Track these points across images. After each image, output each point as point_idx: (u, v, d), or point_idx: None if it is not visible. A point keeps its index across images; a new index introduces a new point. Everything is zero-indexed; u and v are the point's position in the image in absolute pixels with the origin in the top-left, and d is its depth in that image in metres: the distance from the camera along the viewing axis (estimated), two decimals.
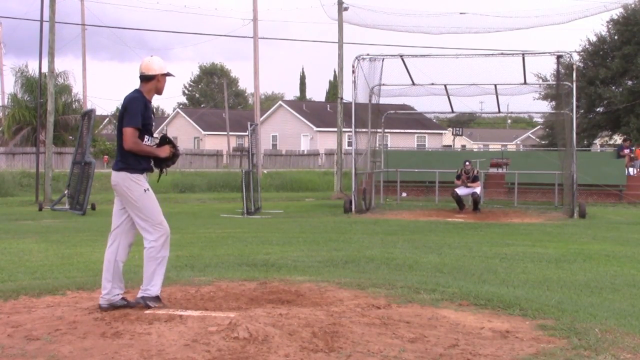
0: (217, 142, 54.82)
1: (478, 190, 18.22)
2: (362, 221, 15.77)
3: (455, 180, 18.46)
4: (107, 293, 5.51)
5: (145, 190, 5.51)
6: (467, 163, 18.49)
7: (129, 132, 5.42)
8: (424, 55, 20.44)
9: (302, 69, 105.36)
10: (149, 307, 5.44)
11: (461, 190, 18.21)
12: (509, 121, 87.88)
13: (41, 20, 22.44)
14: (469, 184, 18.10)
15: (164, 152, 5.64)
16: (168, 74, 5.65)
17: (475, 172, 18.64)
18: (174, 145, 5.73)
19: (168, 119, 65.30)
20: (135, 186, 5.48)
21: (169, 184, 28.39)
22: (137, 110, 5.43)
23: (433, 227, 14.60)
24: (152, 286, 5.53)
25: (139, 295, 5.54)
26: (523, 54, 19.04)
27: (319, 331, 4.87)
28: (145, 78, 5.56)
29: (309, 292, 6.42)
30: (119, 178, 5.51)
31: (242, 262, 8.83)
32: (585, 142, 36.67)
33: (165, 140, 5.71)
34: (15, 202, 22.63)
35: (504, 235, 12.98)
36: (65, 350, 4.47)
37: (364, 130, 19.91)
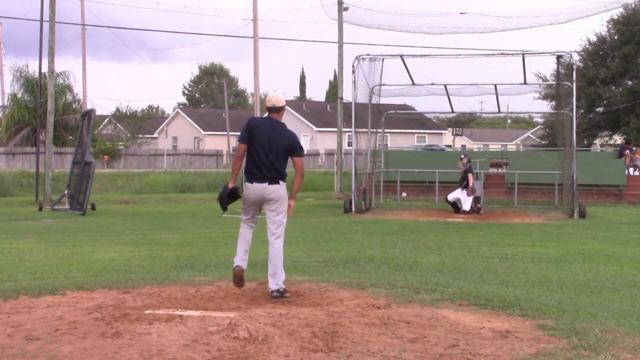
0: (217, 142, 54.80)
1: (469, 186, 17.85)
2: (362, 221, 15.77)
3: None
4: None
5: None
6: (463, 156, 18.42)
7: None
8: (424, 55, 20.44)
9: (302, 69, 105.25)
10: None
11: (451, 196, 18.17)
12: (509, 121, 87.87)
13: (41, 20, 22.44)
14: (463, 186, 17.95)
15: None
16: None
17: (468, 165, 18.16)
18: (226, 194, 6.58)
19: (168, 119, 65.29)
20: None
21: (169, 184, 28.40)
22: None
23: (433, 227, 14.60)
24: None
25: None
26: (523, 54, 19.04)
27: (319, 331, 4.87)
28: (277, 109, 6.43)
29: (309, 292, 6.42)
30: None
31: None
32: (585, 142, 36.69)
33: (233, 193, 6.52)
34: (15, 202, 22.63)
35: (504, 235, 12.98)
36: (65, 350, 4.47)
37: (364, 130, 19.91)
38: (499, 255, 9.89)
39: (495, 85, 21.02)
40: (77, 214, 18.09)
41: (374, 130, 20.77)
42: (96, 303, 5.84)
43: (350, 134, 20.40)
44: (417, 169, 23.31)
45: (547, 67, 23.15)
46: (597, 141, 41.83)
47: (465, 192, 17.91)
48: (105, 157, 39.42)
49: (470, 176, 17.88)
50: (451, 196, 18.20)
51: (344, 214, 17.83)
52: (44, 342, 4.64)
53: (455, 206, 18.10)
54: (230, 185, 6.50)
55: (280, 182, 6.28)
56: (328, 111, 55.55)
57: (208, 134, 59.71)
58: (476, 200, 18.17)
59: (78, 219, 16.87)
